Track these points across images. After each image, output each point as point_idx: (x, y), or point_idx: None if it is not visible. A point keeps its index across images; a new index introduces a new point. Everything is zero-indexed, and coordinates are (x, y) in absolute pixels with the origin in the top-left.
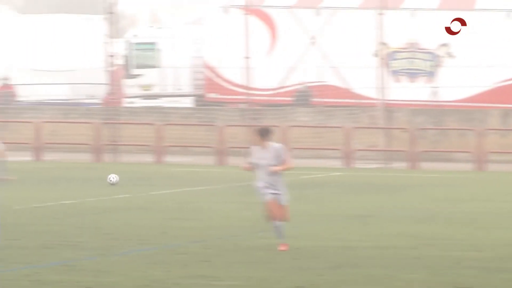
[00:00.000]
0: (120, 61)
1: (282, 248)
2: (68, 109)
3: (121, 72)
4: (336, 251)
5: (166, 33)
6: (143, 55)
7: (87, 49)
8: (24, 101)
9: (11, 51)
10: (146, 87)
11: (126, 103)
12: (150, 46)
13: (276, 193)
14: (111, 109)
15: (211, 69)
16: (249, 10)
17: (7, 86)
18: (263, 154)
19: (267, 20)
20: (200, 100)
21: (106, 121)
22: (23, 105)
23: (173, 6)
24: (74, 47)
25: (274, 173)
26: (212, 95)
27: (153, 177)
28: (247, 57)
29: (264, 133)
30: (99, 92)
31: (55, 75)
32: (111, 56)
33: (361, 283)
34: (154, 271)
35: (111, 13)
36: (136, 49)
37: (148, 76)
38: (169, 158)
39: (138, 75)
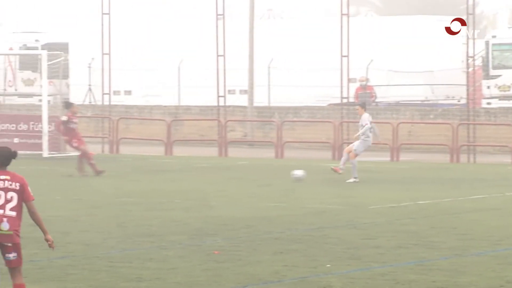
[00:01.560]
0: (478, 62)
1: None
2: (425, 110)
3: (480, 73)
4: None
5: None
6: (502, 56)
7: (445, 50)
8: (382, 102)
9: (370, 52)
10: (504, 88)
11: (484, 104)
12: (509, 47)
13: None
14: (468, 110)
15: None
16: None
17: (366, 87)
18: None
19: None
20: None
21: (463, 122)
22: (381, 106)
23: None
24: (432, 48)
25: None
26: None
27: (509, 177)
28: None
29: None
30: (457, 93)
31: (412, 76)
32: (470, 57)
33: None
34: (509, 272)
35: (471, 14)
36: (495, 50)
37: (507, 76)
38: None
39: (497, 75)
